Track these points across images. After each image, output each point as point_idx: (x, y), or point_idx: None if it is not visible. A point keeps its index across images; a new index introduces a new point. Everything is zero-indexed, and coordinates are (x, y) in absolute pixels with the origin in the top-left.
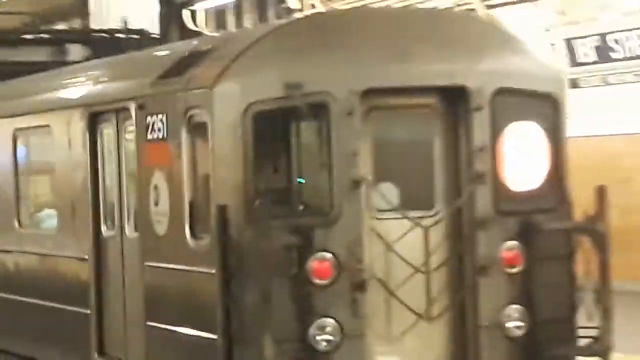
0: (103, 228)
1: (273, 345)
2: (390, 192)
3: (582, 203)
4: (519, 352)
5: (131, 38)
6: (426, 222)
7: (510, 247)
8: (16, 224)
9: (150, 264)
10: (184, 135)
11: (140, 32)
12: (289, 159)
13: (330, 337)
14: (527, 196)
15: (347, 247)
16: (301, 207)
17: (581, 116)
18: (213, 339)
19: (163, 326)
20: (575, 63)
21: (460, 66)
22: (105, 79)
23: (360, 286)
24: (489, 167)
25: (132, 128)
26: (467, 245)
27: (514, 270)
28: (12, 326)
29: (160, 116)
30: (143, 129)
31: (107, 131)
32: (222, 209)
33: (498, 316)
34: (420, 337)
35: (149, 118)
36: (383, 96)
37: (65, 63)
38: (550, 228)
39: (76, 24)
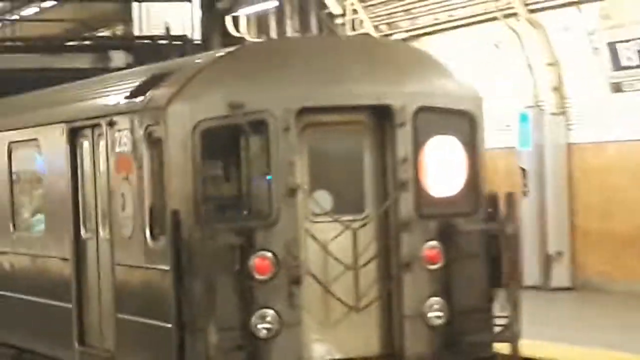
0: (82, 231)
1: (218, 333)
2: (324, 198)
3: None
4: (440, 339)
5: (173, 44)
6: (356, 224)
7: (431, 246)
8: (11, 227)
9: (119, 262)
10: (144, 149)
11: (182, 38)
12: (234, 170)
13: (270, 326)
14: (446, 201)
15: (285, 247)
16: (245, 212)
17: (624, 120)
18: (168, 328)
19: (129, 317)
20: (618, 67)
21: (386, 88)
22: (83, 98)
23: (296, 281)
24: (411, 176)
25: (104, 142)
26: (392, 244)
27: (435, 266)
28: (8, 320)
29: (126, 132)
30: (112, 143)
31: (85, 145)
32: (175, 214)
33: (420, 307)
34: (352, 326)
35: (117, 133)
36: (317, 114)
37: (108, 70)
38: (467, 229)
39: (119, 30)
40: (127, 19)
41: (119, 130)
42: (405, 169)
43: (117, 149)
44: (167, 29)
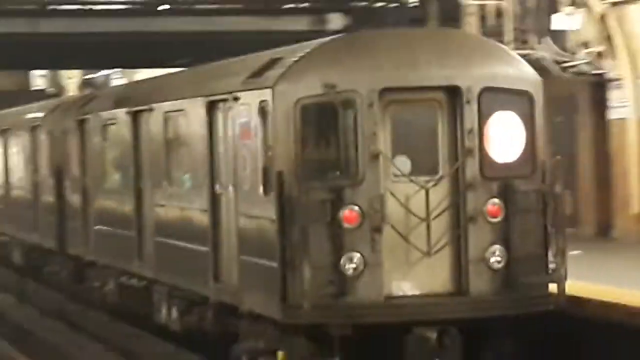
0: (217, 187)
1: (311, 270)
2: (403, 162)
3: None
4: (499, 280)
5: (390, 7)
6: (429, 184)
7: (492, 203)
8: (166, 184)
9: (242, 213)
10: (258, 121)
11: (400, 0)
12: (328, 139)
13: (356, 266)
14: (506, 166)
15: (369, 202)
16: (337, 173)
17: None
18: (275, 267)
19: (249, 259)
20: None
21: (455, 71)
22: (219, 76)
23: (377, 230)
24: (476, 144)
25: (231, 114)
26: (460, 201)
27: (496, 220)
28: (166, 262)
29: (246, 106)
30: (237, 114)
31: (219, 116)
32: (280, 174)
33: (483, 253)
34: (425, 268)
35: (240, 107)
36: (397, 93)
37: (325, 32)
38: (523, 189)
39: None
40: None
41: (242, 105)
42: (471, 139)
43: (240, 120)
44: None
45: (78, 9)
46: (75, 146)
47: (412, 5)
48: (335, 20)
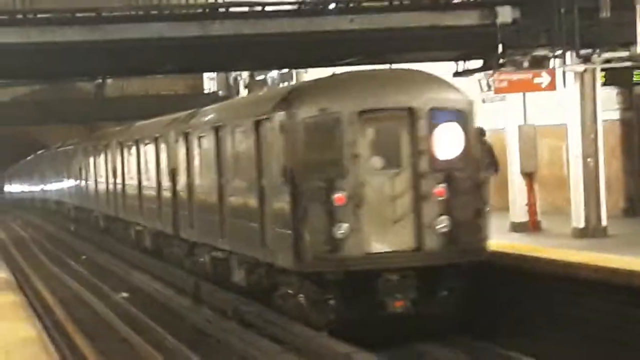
0: (262, 181)
1: (311, 235)
2: (376, 161)
3: None
4: (445, 240)
5: None
6: (395, 174)
7: (439, 187)
8: (235, 180)
9: (273, 197)
10: (280, 134)
11: None
12: (323, 145)
13: (344, 231)
14: (448, 161)
15: (352, 188)
16: (329, 169)
17: None
18: (289, 233)
19: (277, 229)
20: None
21: (411, 97)
22: (261, 101)
23: (358, 206)
24: (426, 147)
25: (268, 129)
26: (416, 186)
27: (442, 198)
28: (236, 238)
29: (274, 124)
30: (270, 130)
31: (261, 130)
32: (291, 170)
33: (433, 222)
34: (394, 232)
35: (270, 124)
36: (371, 113)
37: (495, 26)
38: (460, 177)
39: None
40: None
41: (271, 123)
42: (423, 143)
43: (271, 133)
44: None
45: (248, 11)
46: (182, 153)
47: None
48: (505, 13)
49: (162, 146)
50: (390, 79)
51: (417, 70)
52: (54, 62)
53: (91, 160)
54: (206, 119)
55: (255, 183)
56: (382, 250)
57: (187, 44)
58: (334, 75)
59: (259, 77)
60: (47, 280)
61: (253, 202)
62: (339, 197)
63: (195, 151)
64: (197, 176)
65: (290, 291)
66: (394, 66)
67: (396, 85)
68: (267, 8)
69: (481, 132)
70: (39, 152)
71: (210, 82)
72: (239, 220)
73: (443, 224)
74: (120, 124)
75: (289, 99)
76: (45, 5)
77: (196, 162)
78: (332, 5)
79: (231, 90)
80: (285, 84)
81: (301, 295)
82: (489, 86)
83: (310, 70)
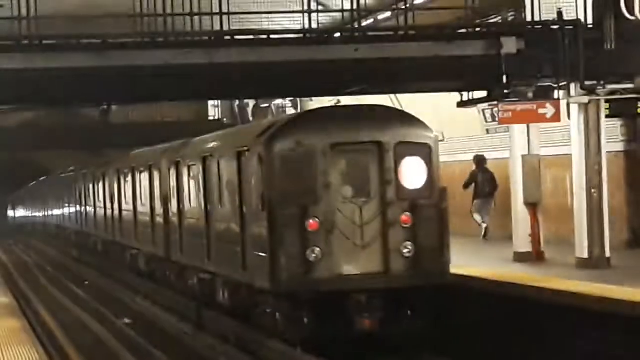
0: (244, 208)
1: (286, 259)
2: (347, 190)
3: None
4: (410, 264)
5: (565, 29)
6: (364, 203)
7: (405, 214)
8: (219, 207)
9: (252, 223)
10: (258, 165)
11: (574, 22)
12: (298, 175)
13: (316, 255)
14: (414, 191)
15: (324, 214)
16: (303, 197)
17: None
18: (266, 256)
19: (256, 253)
20: None
21: (379, 132)
22: (243, 134)
23: (330, 232)
24: (393, 177)
25: (246, 160)
26: (383, 213)
27: (407, 225)
28: (221, 260)
29: (253, 155)
30: (248, 161)
31: (242, 160)
32: (268, 197)
33: (399, 246)
34: (363, 256)
35: (249, 155)
36: (342, 146)
37: (500, 57)
38: (425, 205)
39: (510, 16)
40: (519, 5)
41: (251, 154)
42: (390, 174)
43: (251, 163)
44: (560, 14)
45: (254, 39)
46: (173, 181)
47: (588, 26)
48: (509, 44)
49: (155, 174)
50: (361, 114)
51: (386, 107)
52: (59, 88)
53: (90, 186)
54: (195, 149)
55: (237, 210)
56: (352, 273)
57: (192, 71)
58: (309, 110)
59: (264, 105)
60: (49, 305)
61: (235, 227)
62: (312, 223)
63: (185, 179)
64: (187, 202)
65: (267, 310)
66: (374, 99)
67: (366, 121)
68: (273, 36)
69: (482, 160)
70: (41, 178)
71: (214, 109)
72: (223, 245)
73: (408, 249)
74: (124, 150)
75: (267, 132)
76: (50, 31)
77: (186, 189)
78: (337, 35)
79: (235, 118)
80: (291, 111)
81: (277, 313)
82: (493, 117)
83: (315, 98)
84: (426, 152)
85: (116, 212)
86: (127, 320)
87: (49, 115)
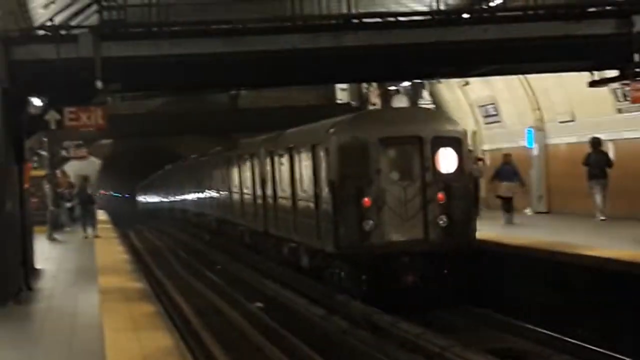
0: (317, 189)
1: (345, 228)
2: (394, 174)
3: None
4: (445, 233)
5: None
6: (408, 185)
7: (440, 193)
8: (301, 189)
9: (323, 201)
10: (325, 155)
11: None
12: (356, 163)
13: (370, 226)
14: (447, 175)
15: (375, 193)
16: (360, 180)
17: None
18: (332, 227)
19: (325, 224)
20: None
21: (419, 128)
22: (316, 132)
23: (380, 208)
24: (431, 164)
25: (319, 151)
26: (423, 192)
27: (442, 202)
28: (303, 231)
29: (323, 148)
30: (320, 152)
31: (314, 153)
32: (332, 182)
33: (436, 219)
34: (407, 227)
35: (321, 147)
36: (390, 140)
37: (630, 34)
38: (456, 186)
39: None
40: None
41: (321, 147)
42: (428, 162)
43: (321, 154)
44: None
45: (382, 22)
46: (269, 167)
47: None
48: None
49: (256, 161)
50: (404, 114)
51: (424, 108)
52: (187, 74)
53: (206, 172)
54: (284, 141)
55: (313, 191)
56: (398, 239)
57: (320, 55)
58: (363, 112)
59: (393, 87)
60: (182, 290)
61: (312, 205)
62: (366, 200)
63: (277, 166)
64: (279, 186)
65: (335, 270)
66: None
67: (408, 120)
68: (400, 19)
69: (596, 143)
70: (166, 166)
71: (342, 92)
72: (304, 219)
73: (443, 220)
74: (253, 135)
75: (332, 129)
76: (179, 18)
77: (277, 174)
78: (465, 16)
79: (363, 101)
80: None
81: (342, 272)
82: (625, 96)
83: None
84: (457, 144)
85: (228, 194)
86: (259, 304)
87: (178, 102)
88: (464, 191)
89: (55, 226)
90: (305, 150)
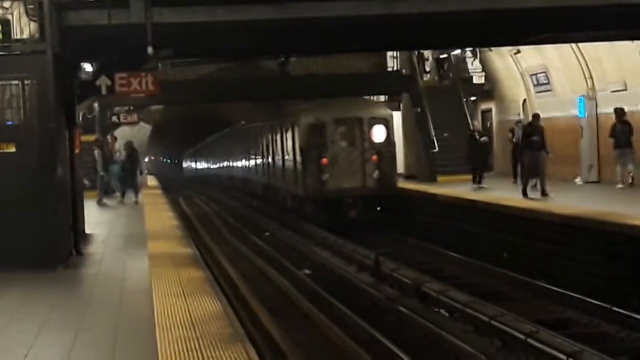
0: (293, 155)
1: (309, 179)
2: (343, 143)
3: None
4: (377, 182)
5: None
6: (353, 149)
7: (374, 155)
8: (286, 154)
9: (298, 162)
10: (296, 131)
11: None
12: (318, 137)
13: (327, 176)
14: (379, 143)
15: (330, 155)
16: (321, 148)
17: None
18: (302, 178)
19: (301, 176)
20: None
21: (360, 112)
22: (290, 112)
23: (334, 165)
24: (367, 136)
25: (294, 127)
26: (362, 155)
27: (375, 162)
28: (288, 182)
29: (297, 125)
30: (295, 128)
31: (292, 128)
32: (301, 148)
33: (372, 172)
34: (352, 178)
35: (292, 125)
36: (342, 120)
37: None
38: (384, 151)
39: None
40: None
41: (296, 125)
42: (366, 135)
43: (292, 129)
44: None
45: None
46: (279, 138)
47: None
48: None
49: (275, 133)
50: (350, 103)
51: (364, 98)
52: (239, 40)
53: (249, 140)
54: (285, 117)
55: (292, 156)
56: (345, 186)
57: (371, 22)
58: (323, 101)
59: (443, 55)
60: (230, 256)
61: (292, 165)
62: (324, 160)
63: (286, 137)
64: (281, 153)
65: (305, 207)
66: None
67: (353, 106)
68: None
69: (620, 113)
70: (213, 134)
71: (393, 60)
72: (289, 174)
73: (375, 174)
74: (303, 102)
75: (300, 111)
76: None
77: (285, 144)
78: None
79: (414, 69)
80: (471, 61)
81: (309, 209)
82: None
83: (494, 48)
84: (386, 123)
85: (268, 161)
86: (307, 271)
87: (228, 68)
88: (390, 155)
89: (105, 191)
90: (290, 126)
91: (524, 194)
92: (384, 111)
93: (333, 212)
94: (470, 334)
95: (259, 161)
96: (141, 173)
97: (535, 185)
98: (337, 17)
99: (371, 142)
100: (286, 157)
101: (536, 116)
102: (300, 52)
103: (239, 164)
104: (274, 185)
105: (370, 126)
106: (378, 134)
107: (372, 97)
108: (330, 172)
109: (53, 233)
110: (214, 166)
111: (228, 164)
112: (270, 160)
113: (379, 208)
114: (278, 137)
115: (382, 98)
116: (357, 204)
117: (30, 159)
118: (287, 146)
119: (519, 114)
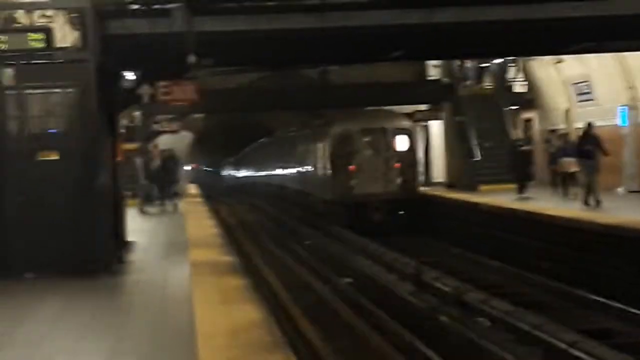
0: (323, 163)
1: (337, 184)
2: (369, 152)
3: None
4: (400, 188)
5: None
6: (379, 158)
7: (397, 162)
8: (315, 162)
9: (328, 168)
10: (328, 140)
11: None
12: (347, 146)
13: (354, 183)
14: (402, 152)
15: (357, 162)
16: (349, 155)
17: None
18: (331, 183)
19: (331, 181)
20: None
21: (385, 123)
22: (321, 124)
23: (362, 172)
24: (392, 145)
25: (324, 136)
26: (387, 163)
27: (398, 168)
28: (317, 187)
29: (325, 134)
30: (324, 137)
31: (323, 137)
32: (332, 155)
33: (395, 178)
34: (378, 184)
35: (324, 134)
36: (367, 130)
37: None
38: (407, 158)
39: None
40: None
41: (325, 133)
42: (390, 143)
43: (326, 139)
44: None
45: None
46: (310, 148)
47: None
48: None
49: (307, 143)
50: (375, 114)
51: (388, 110)
52: (280, 49)
53: (283, 149)
54: (314, 130)
55: (322, 163)
56: (371, 192)
57: (410, 31)
58: (350, 111)
59: (484, 64)
60: (271, 264)
61: (322, 172)
62: (352, 167)
63: (316, 147)
64: (313, 162)
65: (334, 211)
66: None
67: (378, 117)
68: None
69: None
70: (252, 144)
71: (434, 69)
72: (320, 180)
73: (398, 180)
74: (343, 111)
75: (332, 121)
76: None
77: (316, 154)
78: None
79: (454, 78)
80: (513, 70)
81: (338, 212)
82: None
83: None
84: (408, 133)
85: (301, 169)
86: (348, 280)
87: (268, 77)
88: (411, 162)
89: (147, 199)
90: (322, 137)
91: (585, 203)
92: (407, 122)
93: (359, 214)
94: (511, 343)
95: (293, 170)
96: (179, 181)
97: (588, 193)
98: (376, 26)
99: (394, 150)
100: (318, 165)
101: (590, 125)
102: (339, 61)
103: (276, 172)
104: (304, 191)
105: (394, 136)
106: (401, 143)
107: (399, 107)
108: (357, 178)
109: (95, 241)
110: (253, 174)
111: (266, 172)
112: (302, 168)
113: (401, 212)
114: (310, 146)
115: (422, 107)
116: (381, 208)
117: (73, 167)
118: (318, 154)
119: (562, 123)
